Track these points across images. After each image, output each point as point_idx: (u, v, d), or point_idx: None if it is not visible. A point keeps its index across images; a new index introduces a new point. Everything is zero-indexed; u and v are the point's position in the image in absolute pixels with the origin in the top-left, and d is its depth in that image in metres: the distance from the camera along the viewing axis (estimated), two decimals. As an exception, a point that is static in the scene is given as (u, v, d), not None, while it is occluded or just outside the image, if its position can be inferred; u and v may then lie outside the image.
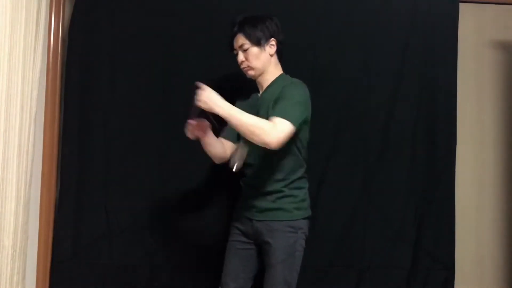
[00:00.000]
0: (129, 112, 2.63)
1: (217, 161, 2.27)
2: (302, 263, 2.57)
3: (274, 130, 2.00)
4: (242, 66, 2.22)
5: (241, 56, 2.21)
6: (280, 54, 2.27)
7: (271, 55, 2.23)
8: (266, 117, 2.09)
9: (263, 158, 2.18)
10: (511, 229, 2.83)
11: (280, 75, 2.27)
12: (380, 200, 2.67)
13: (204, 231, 2.59)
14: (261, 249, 2.21)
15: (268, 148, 2.02)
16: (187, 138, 2.15)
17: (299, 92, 2.16)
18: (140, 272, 2.59)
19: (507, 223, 2.83)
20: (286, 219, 2.18)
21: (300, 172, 2.24)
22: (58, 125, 2.63)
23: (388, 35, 2.71)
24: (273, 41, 2.22)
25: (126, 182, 2.61)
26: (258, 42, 2.19)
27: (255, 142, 2.02)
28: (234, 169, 2.11)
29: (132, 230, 2.60)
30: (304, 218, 2.21)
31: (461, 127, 2.73)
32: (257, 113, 2.16)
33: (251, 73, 2.23)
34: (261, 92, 2.28)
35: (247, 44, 2.19)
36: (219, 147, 2.24)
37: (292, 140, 2.11)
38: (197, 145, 2.18)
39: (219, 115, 2.00)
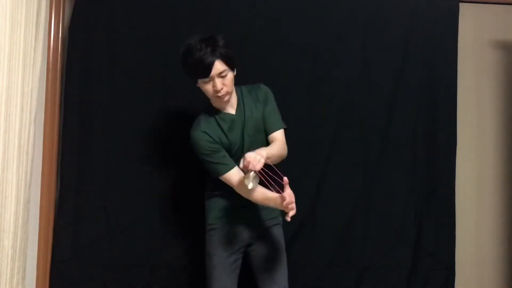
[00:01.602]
0: (129, 112, 2.63)
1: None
2: (302, 262, 2.59)
3: (285, 145, 2.20)
4: (220, 94, 2.09)
5: (219, 84, 2.07)
6: None
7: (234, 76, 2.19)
8: (256, 126, 2.20)
9: None
10: (511, 229, 2.83)
11: (237, 88, 2.23)
12: (380, 200, 2.68)
13: (204, 231, 2.59)
14: (253, 247, 2.23)
15: None
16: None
17: (272, 96, 2.26)
18: (140, 272, 2.59)
19: (507, 223, 2.83)
20: (275, 216, 2.26)
21: None
22: (58, 125, 2.63)
23: (388, 35, 2.72)
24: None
25: (126, 182, 2.61)
26: (233, 67, 2.13)
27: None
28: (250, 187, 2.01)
29: (132, 230, 2.60)
30: None
31: (461, 127, 2.73)
32: (245, 130, 2.17)
33: (227, 98, 2.14)
34: (231, 110, 2.21)
35: (226, 70, 2.08)
36: None
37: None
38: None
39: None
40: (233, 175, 2.11)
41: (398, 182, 2.69)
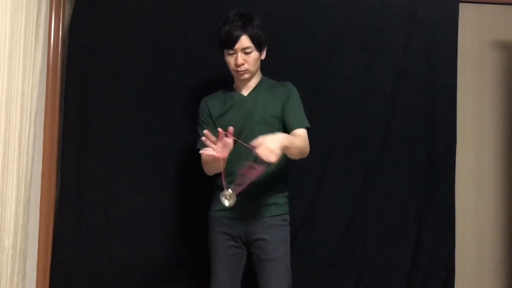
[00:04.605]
0: (129, 112, 2.64)
1: (211, 174, 2.22)
2: (302, 262, 2.58)
3: (308, 144, 2.17)
4: (240, 69, 2.16)
5: (240, 58, 2.15)
6: None
7: (262, 60, 2.24)
8: (263, 117, 2.18)
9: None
10: (511, 229, 2.83)
11: (262, 77, 2.29)
12: (380, 200, 2.67)
13: (204, 231, 2.59)
14: (254, 247, 2.20)
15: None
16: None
17: (297, 94, 2.26)
18: (140, 272, 2.59)
19: (507, 223, 2.83)
20: (280, 213, 2.23)
21: (287, 169, 2.28)
22: (58, 125, 2.63)
23: (388, 35, 2.72)
24: (266, 47, 2.23)
25: (126, 182, 2.61)
26: (260, 48, 2.19)
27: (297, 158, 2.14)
28: (227, 205, 2.02)
29: (132, 230, 2.60)
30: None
31: (461, 127, 2.73)
32: (247, 113, 2.19)
33: (246, 76, 2.20)
34: (245, 92, 2.26)
35: (251, 47, 2.15)
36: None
37: None
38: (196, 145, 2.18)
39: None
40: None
41: (398, 182, 2.68)
